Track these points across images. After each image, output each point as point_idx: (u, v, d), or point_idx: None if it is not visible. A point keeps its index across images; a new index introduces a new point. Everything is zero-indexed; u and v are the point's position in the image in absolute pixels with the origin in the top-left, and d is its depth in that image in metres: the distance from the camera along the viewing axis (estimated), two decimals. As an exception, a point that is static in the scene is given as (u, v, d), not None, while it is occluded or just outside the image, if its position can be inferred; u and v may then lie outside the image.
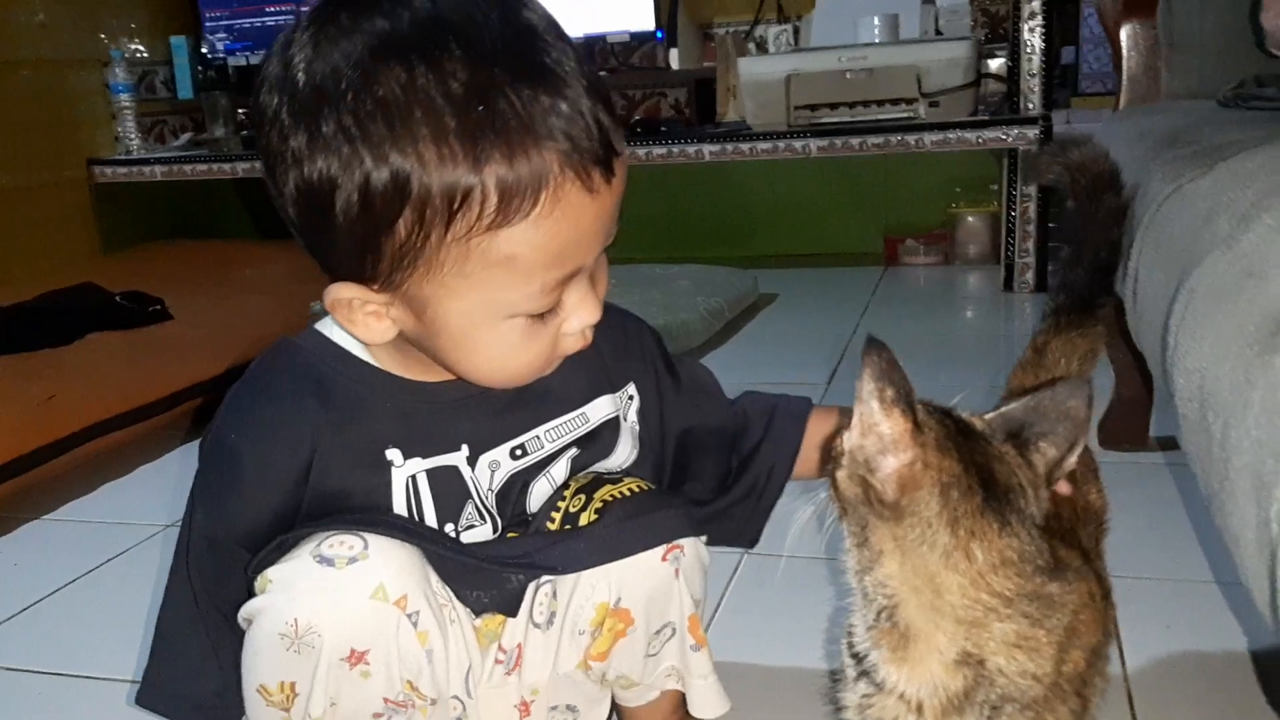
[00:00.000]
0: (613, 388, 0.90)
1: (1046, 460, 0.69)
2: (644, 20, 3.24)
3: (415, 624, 0.79)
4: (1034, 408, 0.70)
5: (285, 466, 0.80)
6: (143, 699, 0.89)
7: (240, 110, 3.56)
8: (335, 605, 0.76)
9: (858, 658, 0.73)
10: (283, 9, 3.58)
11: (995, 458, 0.67)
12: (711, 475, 0.97)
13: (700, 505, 0.96)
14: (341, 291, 0.75)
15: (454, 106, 0.66)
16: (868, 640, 0.71)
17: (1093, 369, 0.95)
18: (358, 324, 0.77)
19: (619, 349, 0.90)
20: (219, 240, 3.57)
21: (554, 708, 0.93)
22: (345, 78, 0.67)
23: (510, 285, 0.71)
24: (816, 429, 0.97)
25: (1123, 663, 1.11)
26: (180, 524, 0.87)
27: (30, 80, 3.21)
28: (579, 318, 0.76)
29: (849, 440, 0.67)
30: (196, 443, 1.86)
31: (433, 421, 0.83)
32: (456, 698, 0.86)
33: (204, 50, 3.62)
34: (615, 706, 0.99)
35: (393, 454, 0.82)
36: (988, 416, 0.71)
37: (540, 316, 0.75)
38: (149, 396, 1.99)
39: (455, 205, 0.67)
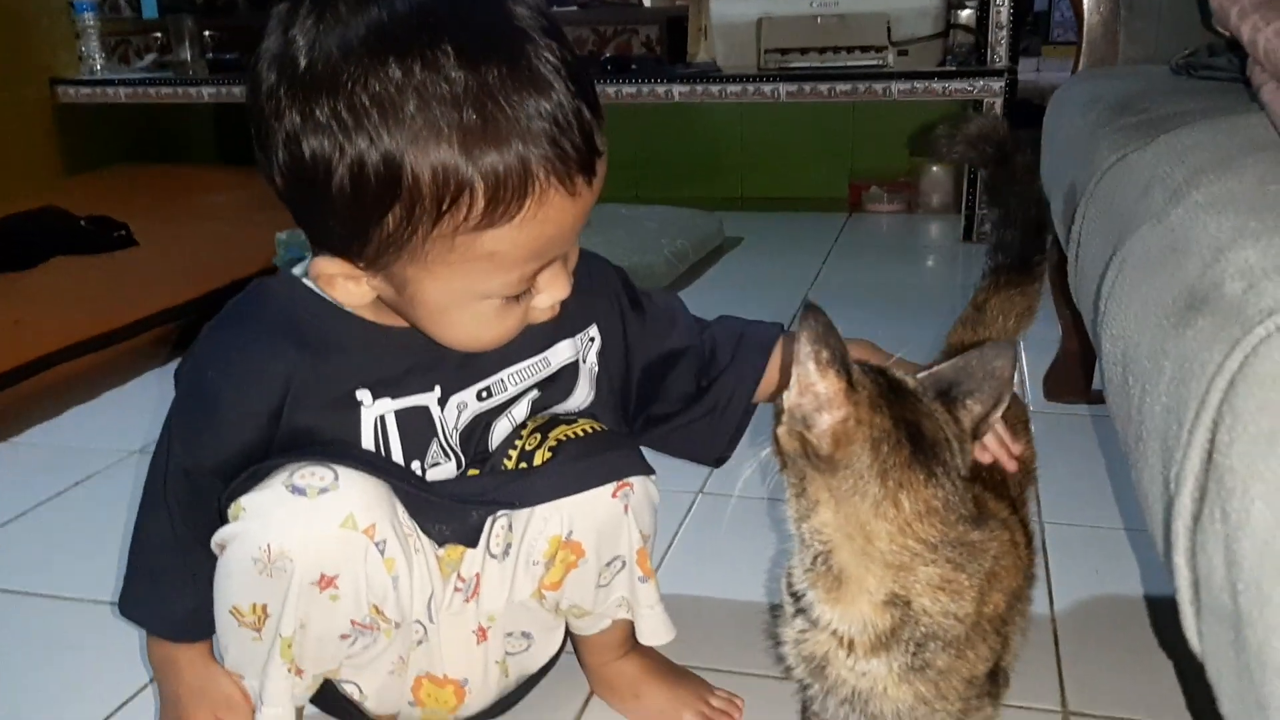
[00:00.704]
0: (574, 331, 0.94)
1: (973, 416, 0.74)
2: (618, -45, 3.23)
3: (382, 552, 0.83)
4: (962, 368, 0.75)
5: (260, 405, 0.84)
6: (125, 610, 0.94)
7: (206, 33, 3.51)
8: (307, 532, 0.80)
9: (795, 596, 0.78)
10: (251, -70, 3.52)
11: (924, 414, 0.72)
12: (677, 397, 1.01)
13: (664, 419, 1.01)
14: (327, 267, 0.79)
15: (447, 109, 0.68)
16: (804, 581, 0.76)
17: (1029, 325, 1.00)
18: (337, 289, 0.81)
19: (584, 292, 0.92)
20: (182, 164, 3.55)
21: (510, 634, 0.98)
22: (343, 69, 0.69)
23: (490, 276, 0.76)
24: (781, 356, 1.01)
25: (1050, 603, 1.17)
26: (154, 452, 0.90)
27: (-9, -4, 3.16)
28: (550, 294, 0.81)
29: (788, 399, 0.72)
30: (162, 369, 1.88)
31: (406, 364, 0.86)
32: (419, 622, 0.91)
33: (170, -31, 3.56)
34: (570, 635, 1.04)
35: (362, 395, 0.85)
36: (920, 375, 0.76)
37: (517, 299, 0.80)
38: (116, 322, 2.00)
39: (444, 206, 0.71)
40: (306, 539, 0.80)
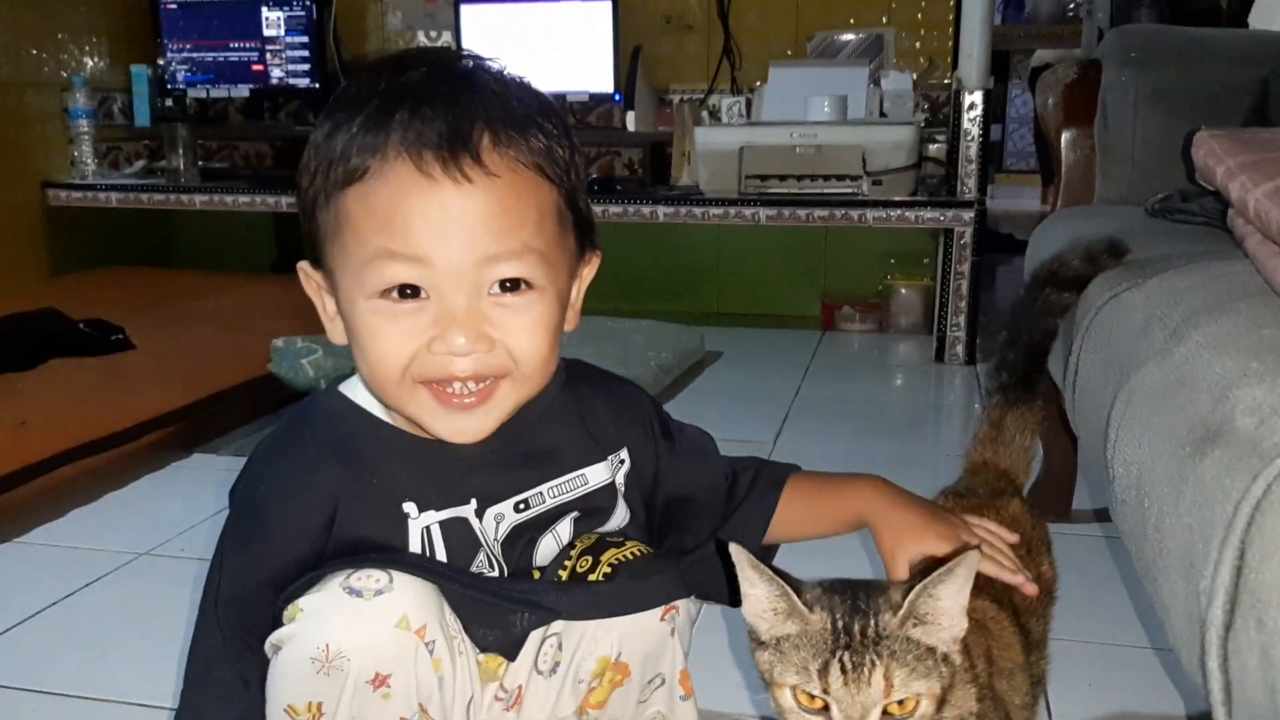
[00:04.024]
0: (605, 454, 0.98)
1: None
2: (603, 82, 3.37)
3: (431, 652, 0.86)
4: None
5: (309, 520, 0.88)
6: None
7: (200, 142, 3.61)
8: (363, 632, 0.83)
9: None
10: (245, 45, 3.64)
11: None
12: (700, 531, 1.03)
13: (682, 554, 1.03)
14: (301, 265, 0.89)
15: (361, 103, 0.81)
16: None
17: (1038, 439, 1.07)
18: (325, 317, 0.90)
19: (619, 416, 0.99)
20: (170, 269, 3.60)
21: None
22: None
23: (354, 248, 0.81)
24: (794, 493, 1.03)
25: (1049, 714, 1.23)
26: (210, 566, 0.93)
27: (-10, 101, 3.24)
28: (443, 340, 0.81)
29: (964, 620, 0.74)
30: (158, 473, 1.92)
31: (444, 477, 0.90)
32: None
33: (164, 80, 3.67)
34: (595, 740, 1.07)
35: (409, 507, 0.90)
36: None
37: (393, 300, 0.81)
38: (118, 425, 2.04)
39: (328, 170, 0.81)
40: (363, 638, 0.83)
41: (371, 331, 0.83)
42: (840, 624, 0.72)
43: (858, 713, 0.70)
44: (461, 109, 0.80)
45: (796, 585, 0.76)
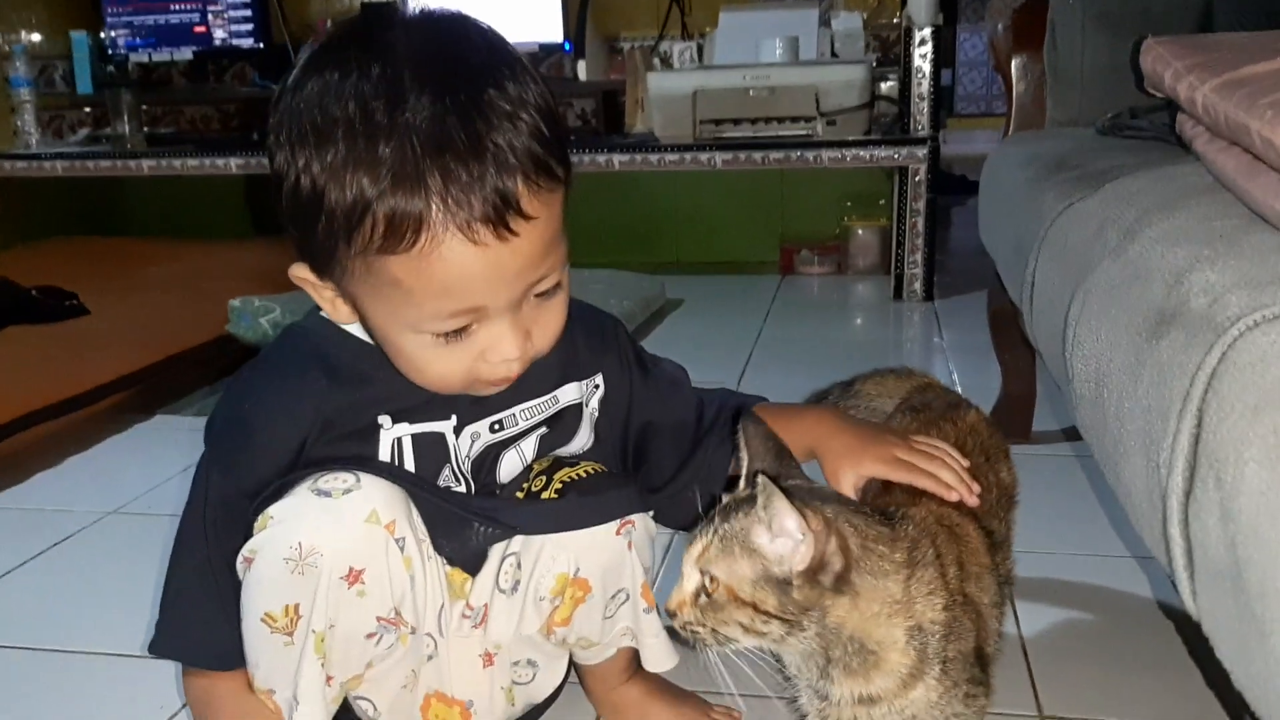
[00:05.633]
0: (580, 376, 1.01)
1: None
2: (553, 32, 3.35)
3: (401, 549, 0.89)
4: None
5: (294, 431, 0.89)
6: (159, 649, 0.96)
7: (144, 107, 3.55)
8: (334, 528, 0.85)
9: (823, 694, 0.83)
10: (186, 6, 3.58)
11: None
12: (669, 464, 1.05)
13: (654, 492, 1.05)
14: (296, 270, 0.87)
15: (369, 138, 0.76)
16: (828, 682, 0.81)
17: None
18: (325, 303, 0.89)
19: (593, 342, 1.01)
20: (121, 237, 3.55)
21: (516, 663, 1.04)
22: (304, 96, 0.79)
23: (404, 304, 0.81)
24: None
25: (1016, 623, 1.26)
26: (189, 495, 0.93)
27: (-73, 71, 3.16)
28: (496, 351, 0.85)
29: (799, 563, 0.76)
30: (122, 434, 1.90)
31: (427, 396, 0.92)
32: (429, 636, 0.96)
33: (105, 46, 3.60)
34: (574, 664, 1.09)
35: (383, 419, 0.92)
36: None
37: (446, 339, 0.84)
38: (77, 388, 2.02)
39: (351, 224, 0.78)
40: (334, 534, 0.85)
41: (426, 359, 0.86)
42: (730, 504, 0.82)
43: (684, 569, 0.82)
44: (495, 158, 0.77)
45: (767, 468, 0.83)
